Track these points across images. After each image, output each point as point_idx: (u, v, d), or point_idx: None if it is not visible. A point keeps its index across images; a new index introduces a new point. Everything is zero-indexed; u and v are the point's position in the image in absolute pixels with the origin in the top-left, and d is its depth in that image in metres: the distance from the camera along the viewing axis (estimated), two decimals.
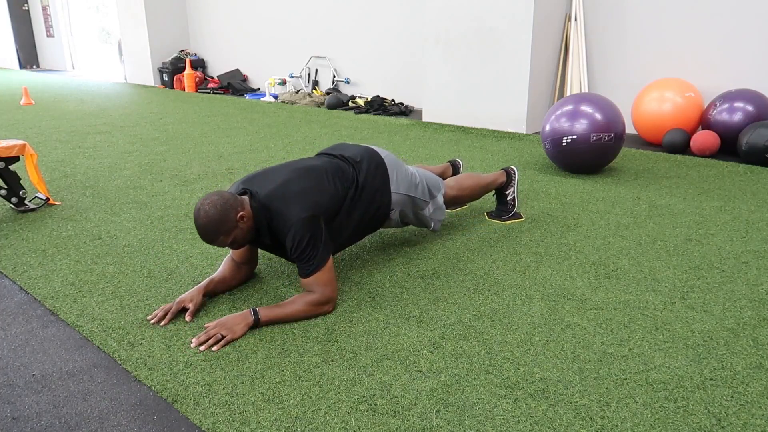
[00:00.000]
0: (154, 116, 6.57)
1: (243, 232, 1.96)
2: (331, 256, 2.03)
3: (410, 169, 2.45)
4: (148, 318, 2.00)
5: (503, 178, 2.91)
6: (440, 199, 2.55)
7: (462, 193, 2.69)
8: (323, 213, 2.02)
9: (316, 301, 1.96)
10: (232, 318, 1.89)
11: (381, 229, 2.50)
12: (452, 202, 2.68)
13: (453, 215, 3.01)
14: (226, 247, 2.01)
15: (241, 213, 1.92)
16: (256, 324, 1.91)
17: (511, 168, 2.94)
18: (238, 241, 1.97)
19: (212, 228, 1.88)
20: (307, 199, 2.00)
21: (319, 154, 2.37)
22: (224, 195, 1.92)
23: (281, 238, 1.98)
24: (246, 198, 2.00)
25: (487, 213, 2.99)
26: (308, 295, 1.97)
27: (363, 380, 1.64)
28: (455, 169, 3.15)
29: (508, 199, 2.93)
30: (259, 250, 2.37)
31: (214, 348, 1.79)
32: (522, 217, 2.94)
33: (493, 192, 2.96)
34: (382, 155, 2.35)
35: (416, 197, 2.42)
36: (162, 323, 1.96)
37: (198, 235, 2.41)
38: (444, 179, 2.71)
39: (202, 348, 1.80)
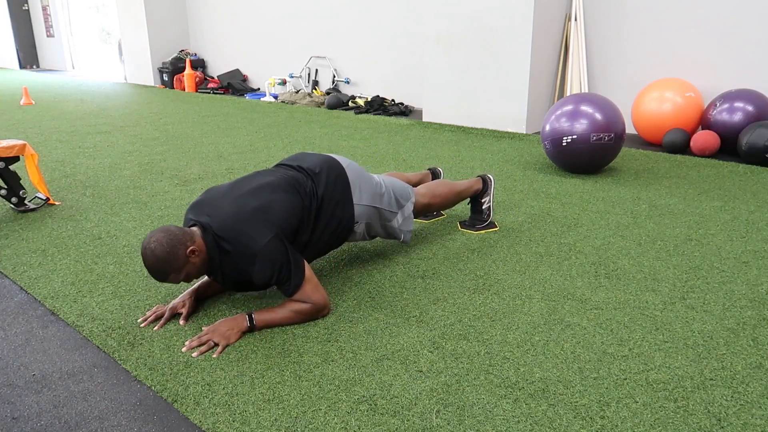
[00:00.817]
0: (154, 116, 6.57)
1: (196, 267, 1.85)
2: (308, 265, 1.96)
3: (376, 179, 2.32)
4: (139, 321, 1.98)
5: (479, 186, 2.77)
6: (409, 208, 2.41)
7: (434, 201, 2.55)
8: (283, 228, 1.92)
9: (310, 311, 1.95)
10: (226, 323, 1.87)
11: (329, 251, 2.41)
12: (424, 210, 2.54)
13: (443, 220, 3.01)
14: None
15: (191, 248, 1.81)
16: (251, 329, 1.89)
17: (488, 175, 2.82)
18: (192, 275, 1.87)
19: (161, 267, 1.78)
20: (264, 219, 1.89)
21: (278, 165, 2.24)
22: (171, 231, 1.81)
23: (245, 268, 1.87)
24: (196, 230, 1.88)
25: (460, 223, 2.85)
26: (302, 305, 1.94)
27: (363, 380, 1.64)
28: (435, 177, 3.00)
29: (483, 207, 2.79)
30: None
31: (213, 355, 1.78)
32: (497, 227, 2.81)
33: (468, 200, 2.84)
34: (344, 165, 2.22)
35: (382, 208, 2.29)
36: (155, 329, 1.94)
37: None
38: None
39: (194, 354, 1.78)
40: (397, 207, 2.36)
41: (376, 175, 2.39)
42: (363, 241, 2.51)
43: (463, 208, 3.06)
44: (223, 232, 1.86)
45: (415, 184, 2.76)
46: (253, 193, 1.96)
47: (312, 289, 1.94)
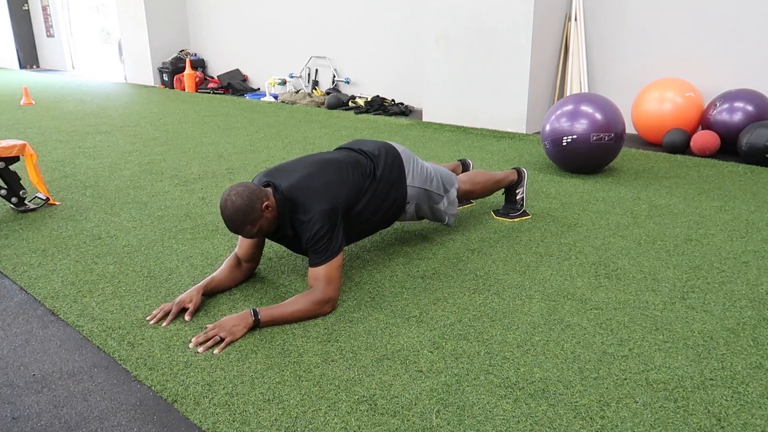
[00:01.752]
0: (154, 116, 6.57)
1: (267, 222, 2.01)
2: (342, 257, 2.06)
3: (425, 164, 2.50)
4: (147, 319, 2.00)
5: (514, 177, 2.96)
6: (453, 193, 2.58)
7: (474, 188, 2.74)
8: (343, 205, 2.08)
9: (317, 299, 1.96)
10: (231, 319, 1.89)
11: (381, 230, 2.51)
12: (464, 197, 2.73)
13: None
14: (249, 238, 2.08)
15: (266, 203, 1.97)
16: (256, 325, 1.90)
17: (522, 168, 3.00)
18: (262, 231, 2.02)
19: (239, 217, 1.93)
20: (329, 191, 2.05)
21: (338, 149, 2.43)
22: (250, 186, 1.97)
23: (300, 229, 2.03)
24: (270, 190, 2.05)
25: (494, 211, 3.03)
26: (309, 294, 1.97)
27: (363, 380, 1.64)
28: (465, 168, 3.19)
29: (517, 198, 2.97)
30: (264, 249, 2.38)
31: (216, 351, 1.79)
32: (529, 215, 2.98)
33: (503, 191, 3.01)
34: (399, 149, 2.41)
35: (431, 191, 2.47)
36: (163, 324, 1.96)
37: (224, 224, 2.44)
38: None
39: (200, 350, 1.80)
40: (443, 191, 2.53)
41: (424, 162, 2.55)
42: (411, 221, 2.66)
43: (487, 200, 3.05)
44: (292, 194, 2.04)
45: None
46: (323, 167, 2.15)
47: (333, 275, 2.01)
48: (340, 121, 6.12)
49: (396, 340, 1.85)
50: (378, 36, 7.10)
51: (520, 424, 1.45)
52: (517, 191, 2.97)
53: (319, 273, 1.99)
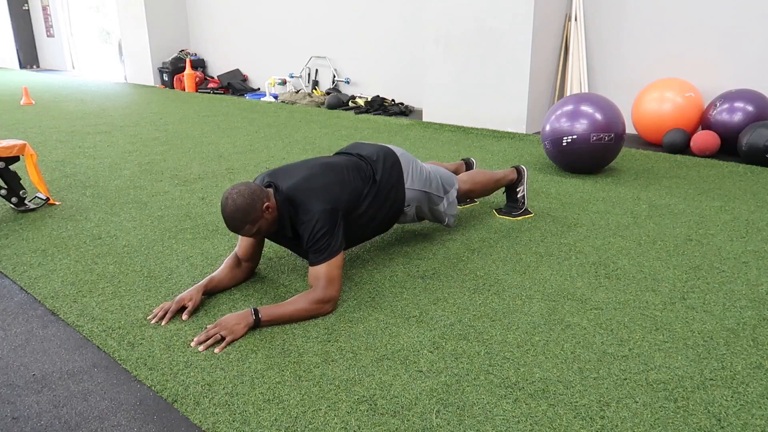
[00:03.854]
0: (154, 116, 6.57)
1: (268, 223, 2.02)
2: (343, 257, 2.07)
3: (424, 166, 2.52)
4: (148, 318, 2.00)
5: (514, 175, 2.97)
6: (453, 194, 2.60)
7: (474, 188, 2.75)
8: (343, 207, 2.09)
9: (318, 298, 1.96)
10: (232, 318, 1.89)
11: (381, 233, 2.51)
12: (464, 196, 2.75)
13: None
14: (249, 237, 2.08)
15: (266, 203, 1.98)
16: (257, 324, 1.90)
17: (522, 166, 3.01)
18: (262, 231, 2.03)
19: (239, 216, 1.94)
20: (329, 193, 2.07)
21: (337, 154, 2.45)
22: (251, 186, 1.99)
23: (301, 229, 2.04)
24: (271, 190, 2.07)
25: (496, 210, 3.05)
26: (310, 293, 1.97)
27: (363, 380, 1.64)
28: (468, 167, 3.21)
29: (518, 196, 2.99)
30: (264, 249, 2.38)
31: (216, 350, 1.79)
32: (532, 213, 3.00)
33: (503, 190, 3.03)
34: (397, 153, 2.43)
35: (431, 193, 2.49)
36: (162, 323, 1.96)
37: (224, 224, 2.45)
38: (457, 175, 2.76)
39: (201, 348, 1.80)
40: (443, 192, 2.55)
41: (424, 163, 2.56)
42: (412, 223, 2.65)
43: (490, 199, 3.05)
44: (293, 195, 2.05)
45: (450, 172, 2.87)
46: (323, 170, 2.16)
47: (333, 274, 2.01)
48: (340, 121, 6.12)
49: (396, 340, 1.85)
50: (378, 36, 7.10)
51: (520, 424, 1.45)
52: (518, 189, 2.99)
53: (319, 272, 1.99)
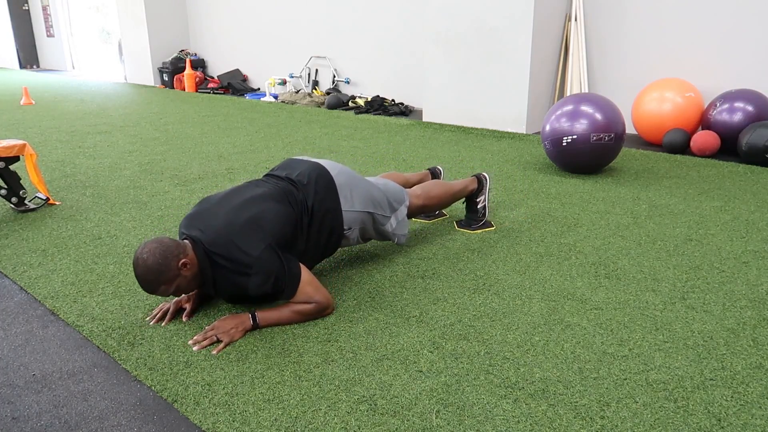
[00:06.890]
0: (154, 116, 6.57)
1: (187, 280, 1.85)
2: (306, 270, 1.96)
3: (370, 182, 2.32)
4: (147, 320, 2.00)
5: (474, 185, 2.78)
6: (404, 211, 2.40)
7: (429, 202, 2.54)
8: (276, 238, 1.91)
9: (313, 310, 1.95)
10: (230, 320, 1.89)
11: (324, 259, 2.35)
12: (420, 211, 2.53)
13: (441, 221, 3.01)
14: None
15: (183, 260, 1.81)
16: (255, 328, 1.90)
17: (483, 174, 2.83)
18: (182, 289, 1.86)
19: (152, 278, 1.78)
20: (256, 230, 1.88)
21: (267, 175, 2.24)
22: (164, 242, 1.82)
23: (240, 281, 1.87)
24: (188, 243, 1.89)
25: (456, 222, 2.87)
26: (306, 305, 1.95)
27: (363, 380, 1.64)
28: (435, 177, 3.00)
29: (478, 207, 2.80)
30: None
31: (213, 352, 1.79)
32: (493, 226, 2.81)
33: (463, 200, 2.85)
34: (333, 173, 2.20)
35: (375, 213, 2.27)
36: (162, 324, 1.96)
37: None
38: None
39: (195, 348, 1.80)
40: (390, 211, 2.34)
41: (372, 177, 2.38)
42: (358, 245, 2.49)
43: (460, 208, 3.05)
44: (214, 247, 1.86)
45: (414, 185, 2.77)
46: (244, 205, 1.96)
47: (313, 291, 1.94)
48: (340, 121, 6.12)
49: (396, 340, 1.85)
50: (378, 36, 7.10)
51: (520, 424, 1.45)
52: (477, 200, 2.79)
53: (299, 297, 1.93)
